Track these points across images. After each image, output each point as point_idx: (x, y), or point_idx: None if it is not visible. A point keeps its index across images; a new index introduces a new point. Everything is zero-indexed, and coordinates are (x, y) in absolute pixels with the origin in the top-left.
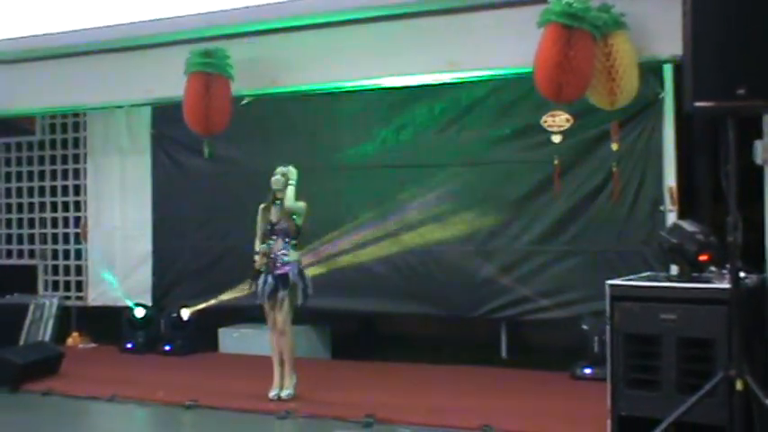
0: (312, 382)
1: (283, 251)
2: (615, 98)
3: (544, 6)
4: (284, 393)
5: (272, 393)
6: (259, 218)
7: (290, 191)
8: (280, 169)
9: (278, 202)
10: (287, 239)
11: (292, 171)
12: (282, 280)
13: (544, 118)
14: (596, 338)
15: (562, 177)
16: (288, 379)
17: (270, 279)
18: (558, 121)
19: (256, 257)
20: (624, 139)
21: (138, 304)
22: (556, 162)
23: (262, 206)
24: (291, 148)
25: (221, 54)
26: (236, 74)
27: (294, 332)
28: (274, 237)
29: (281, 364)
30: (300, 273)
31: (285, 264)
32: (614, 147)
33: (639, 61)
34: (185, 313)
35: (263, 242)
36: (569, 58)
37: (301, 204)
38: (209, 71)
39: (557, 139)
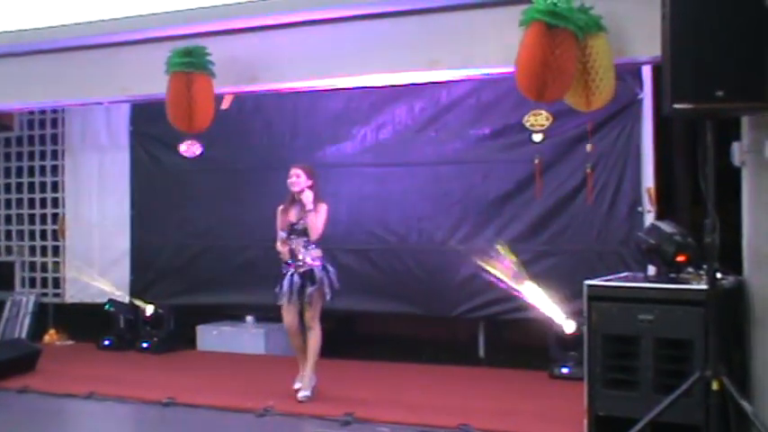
0: (291, 380)
1: (305, 249)
2: (591, 100)
3: (526, 6)
4: (301, 395)
5: (297, 385)
6: (279, 220)
7: (315, 220)
8: (294, 171)
9: (297, 202)
10: (307, 238)
11: (308, 194)
12: (309, 277)
13: (526, 117)
14: None
15: (541, 177)
16: (308, 379)
17: (296, 278)
18: (539, 120)
19: (281, 249)
20: (603, 140)
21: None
22: (536, 161)
23: (280, 208)
24: (271, 146)
25: (201, 52)
26: (216, 71)
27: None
28: (294, 236)
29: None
30: (325, 268)
31: (309, 261)
32: (588, 148)
33: (618, 63)
34: (149, 309)
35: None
36: (555, 56)
37: (321, 228)
38: (190, 70)
39: (538, 138)
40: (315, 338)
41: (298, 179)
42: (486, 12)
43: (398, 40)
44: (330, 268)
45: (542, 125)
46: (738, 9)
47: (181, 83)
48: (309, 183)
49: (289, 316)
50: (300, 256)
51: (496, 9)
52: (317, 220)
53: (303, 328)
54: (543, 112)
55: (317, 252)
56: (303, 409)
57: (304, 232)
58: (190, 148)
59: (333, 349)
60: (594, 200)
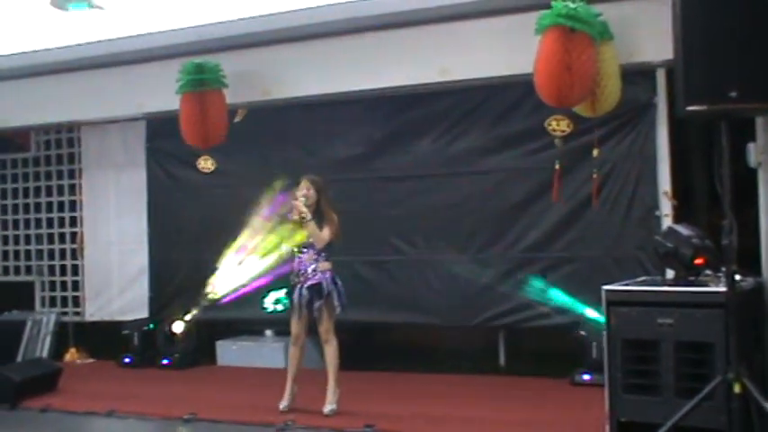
0: (310, 392)
1: (314, 262)
2: (597, 105)
3: (536, 13)
4: (327, 409)
5: (282, 405)
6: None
7: (313, 230)
8: (304, 183)
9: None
10: (316, 250)
11: (298, 205)
12: (317, 290)
13: (548, 122)
14: (594, 344)
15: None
16: (332, 393)
17: (304, 291)
18: (561, 125)
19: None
20: (618, 145)
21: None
22: (557, 167)
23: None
24: (286, 160)
25: (214, 68)
26: (229, 86)
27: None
28: (305, 249)
29: (294, 378)
30: (334, 281)
31: (317, 274)
32: (595, 153)
33: (631, 66)
34: (178, 326)
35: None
36: (576, 61)
37: (326, 236)
38: (202, 88)
39: (559, 143)
40: (332, 352)
41: (308, 191)
42: (495, 20)
43: (408, 49)
44: (338, 282)
45: (564, 130)
46: (750, 9)
47: (193, 102)
48: (316, 196)
49: (296, 327)
50: (310, 270)
51: (505, 17)
52: (322, 231)
53: (309, 341)
54: (565, 117)
55: (327, 265)
56: (323, 422)
57: (314, 245)
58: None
59: (352, 361)
60: (611, 205)
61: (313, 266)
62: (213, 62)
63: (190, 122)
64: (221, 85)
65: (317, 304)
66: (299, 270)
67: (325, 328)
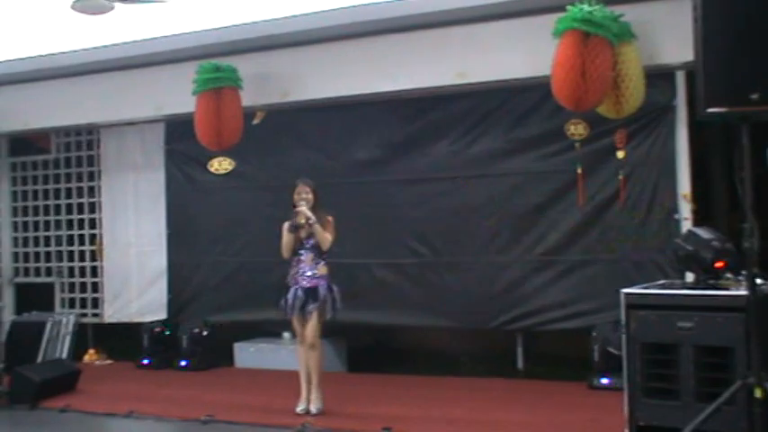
0: (328, 395)
1: (313, 265)
2: (621, 107)
3: (552, 15)
4: (314, 407)
5: (299, 408)
6: (284, 237)
7: (320, 233)
8: (303, 187)
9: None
10: (315, 253)
11: (303, 209)
12: (312, 293)
13: (567, 126)
14: (596, 347)
15: (577, 187)
16: (316, 396)
17: (299, 292)
18: (579, 129)
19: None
20: (637, 148)
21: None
22: (579, 171)
23: (285, 225)
24: (304, 162)
25: (229, 68)
26: (247, 88)
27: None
28: (303, 252)
29: (309, 379)
30: (329, 287)
31: (315, 277)
32: (620, 155)
33: (651, 68)
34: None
35: (291, 255)
36: (592, 65)
37: (330, 238)
38: (219, 86)
39: (578, 147)
40: (316, 357)
41: (308, 195)
42: (512, 22)
43: (427, 52)
44: (335, 288)
45: (581, 134)
46: None
47: (209, 101)
48: (314, 199)
49: (299, 326)
50: (309, 272)
51: (521, 19)
52: (325, 233)
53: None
54: (582, 121)
55: (324, 270)
56: (341, 424)
57: (314, 247)
58: None
59: (370, 364)
60: (631, 208)
61: (312, 270)
62: (228, 64)
63: (204, 122)
64: (236, 84)
65: (309, 307)
66: (297, 271)
67: (313, 332)
